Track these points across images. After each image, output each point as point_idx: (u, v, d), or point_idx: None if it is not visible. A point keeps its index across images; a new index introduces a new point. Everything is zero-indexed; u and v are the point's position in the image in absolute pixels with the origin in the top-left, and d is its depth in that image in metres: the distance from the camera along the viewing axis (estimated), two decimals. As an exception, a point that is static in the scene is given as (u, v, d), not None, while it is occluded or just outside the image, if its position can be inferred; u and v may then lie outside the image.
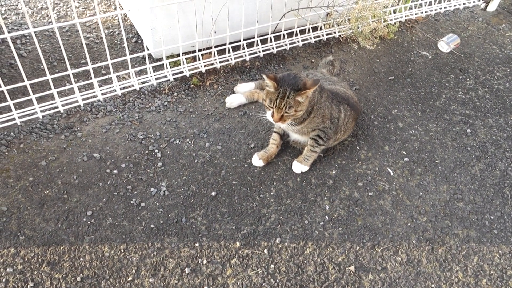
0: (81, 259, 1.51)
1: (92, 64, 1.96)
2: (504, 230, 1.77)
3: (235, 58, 2.32)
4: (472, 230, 1.76)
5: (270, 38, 2.40)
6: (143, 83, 2.19)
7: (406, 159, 2.02)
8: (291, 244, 1.64)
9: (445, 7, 2.99)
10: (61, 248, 1.54)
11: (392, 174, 1.94)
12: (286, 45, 2.46)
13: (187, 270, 1.52)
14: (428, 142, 2.12)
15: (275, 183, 1.84)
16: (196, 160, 1.90)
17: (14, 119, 1.85)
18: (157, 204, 1.71)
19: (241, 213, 1.72)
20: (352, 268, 1.59)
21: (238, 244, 1.62)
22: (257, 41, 2.36)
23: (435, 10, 2.96)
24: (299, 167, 1.88)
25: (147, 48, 2.33)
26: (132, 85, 2.13)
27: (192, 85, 2.27)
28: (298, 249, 1.62)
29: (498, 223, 1.80)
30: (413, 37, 2.88)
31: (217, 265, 1.55)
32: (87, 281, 1.46)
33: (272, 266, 1.56)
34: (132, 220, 1.65)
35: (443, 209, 1.83)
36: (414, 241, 1.69)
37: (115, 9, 2.73)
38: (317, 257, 1.61)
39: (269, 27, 2.37)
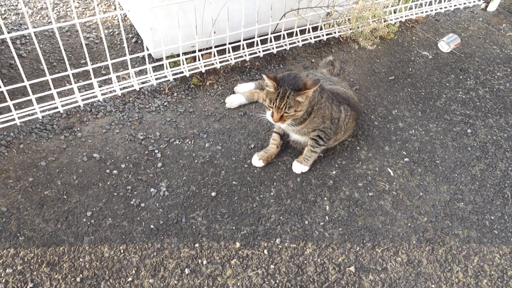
0: (81, 259, 1.51)
1: (92, 64, 1.95)
2: (505, 231, 1.77)
3: (235, 58, 2.32)
4: (472, 231, 1.76)
5: (270, 38, 2.40)
6: (143, 83, 2.19)
7: (406, 159, 2.02)
8: (291, 245, 1.63)
9: (445, 7, 2.99)
10: (61, 248, 1.53)
11: (392, 174, 1.94)
12: (286, 45, 2.46)
13: (187, 271, 1.52)
14: (428, 142, 2.12)
15: (275, 184, 1.84)
16: (196, 161, 1.90)
17: (13, 119, 1.84)
18: (157, 204, 1.71)
19: (241, 214, 1.72)
20: (352, 268, 1.58)
21: (238, 244, 1.61)
22: (257, 41, 2.36)
23: (435, 10, 2.96)
24: (299, 167, 1.87)
25: (147, 48, 2.32)
26: (132, 85, 2.13)
27: (192, 85, 2.27)
28: (298, 250, 1.62)
29: (498, 223, 1.79)
30: (414, 37, 2.88)
31: (217, 266, 1.54)
32: (87, 281, 1.45)
33: (272, 266, 1.56)
34: (132, 220, 1.65)
35: (443, 209, 1.82)
36: (414, 242, 1.69)
37: (115, 9, 2.73)
38: (317, 258, 1.60)
39: (269, 27, 2.37)
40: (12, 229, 1.57)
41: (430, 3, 2.93)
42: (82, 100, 1.98)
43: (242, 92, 2.21)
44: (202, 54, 2.26)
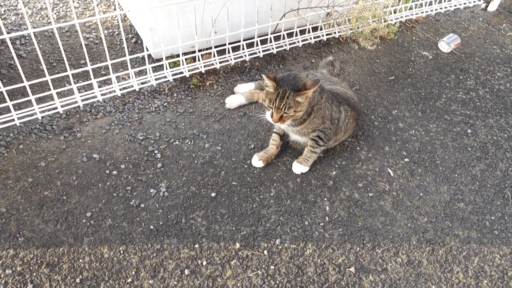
0: (81, 260, 1.51)
1: (91, 65, 1.95)
2: (505, 231, 1.76)
3: (235, 59, 2.32)
4: (472, 231, 1.75)
5: (270, 38, 2.40)
6: (142, 83, 2.18)
7: (406, 159, 2.01)
8: (291, 245, 1.63)
9: (445, 7, 2.99)
10: (61, 249, 1.53)
11: (392, 174, 1.94)
12: (286, 45, 2.46)
13: (186, 272, 1.51)
14: (428, 143, 2.11)
15: (275, 184, 1.84)
16: (195, 161, 1.89)
17: (13, 120, 1.84)
18: (157, 205, 1.71)
19: (241, 214, 1.71)
20: (352, 269, 1.58)
21: (238, 245, 1.61)
22: (257, 41, 2.35)
23: (435, 10, 2.95)
24: (299, 167, 1.87)
25: (146, 48, 2.32)
26: (132, 86, 2.13)
27: (191, 86, 2.27)
28: (298, 250, 1.62)
29: (498, 223, 1.79)
30: (414, 37, 2.88)
31: (216, 266, 1.54)
32: (87, 282, 1.45)
33: (272, 267, 1.56)
34: (131, 221, 1.64)
35: (443, 209, 1.82)
36: (414, 242, 1.69)
37: (115, 9, 2.72)
38: (317, 258, 1.60)
39: (269, 28, 2.36)
40: (11, 230, 1.57)
41: (430, 3, 2.93)
42: (82, 100, 1.98)
43: (242, 93, 2.21)
44: (202, 55, 2.25)
